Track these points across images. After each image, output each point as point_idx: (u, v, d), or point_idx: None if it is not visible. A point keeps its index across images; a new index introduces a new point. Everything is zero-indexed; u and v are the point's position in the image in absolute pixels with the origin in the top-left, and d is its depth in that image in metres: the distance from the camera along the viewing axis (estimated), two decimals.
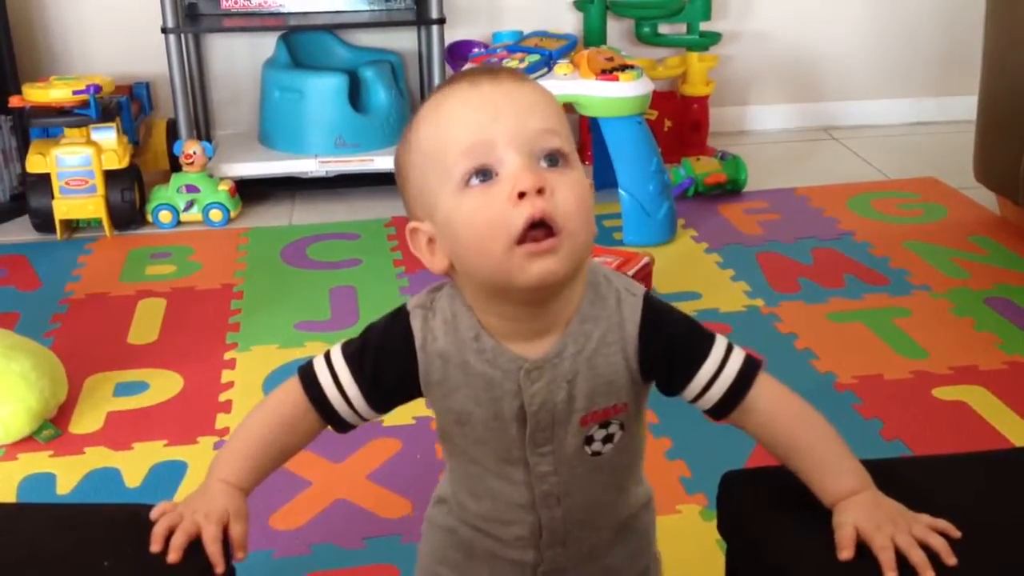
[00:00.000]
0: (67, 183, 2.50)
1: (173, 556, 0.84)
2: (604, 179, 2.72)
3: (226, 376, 1.93)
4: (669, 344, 0.88)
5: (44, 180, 2.50)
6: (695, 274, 2.31)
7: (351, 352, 0.91)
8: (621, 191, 2.43)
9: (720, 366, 0.89)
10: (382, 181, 2.77)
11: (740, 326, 2.07)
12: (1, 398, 1.69)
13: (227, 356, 2.00)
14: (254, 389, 1.88)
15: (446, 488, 0.99)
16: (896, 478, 0.90)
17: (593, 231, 0.85)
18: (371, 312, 2.15)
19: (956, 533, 0.83)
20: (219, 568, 0.85)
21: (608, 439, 0.90)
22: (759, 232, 2.52)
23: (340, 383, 0.90)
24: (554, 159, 0.82)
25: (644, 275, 2.01)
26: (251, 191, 2.73)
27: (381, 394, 0.91)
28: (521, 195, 0.79)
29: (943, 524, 0.84)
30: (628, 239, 2.42)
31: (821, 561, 0.82)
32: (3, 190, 2.68)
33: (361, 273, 2.35)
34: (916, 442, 1.68)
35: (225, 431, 1.75)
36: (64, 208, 2.51)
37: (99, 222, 2.55)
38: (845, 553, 0.82)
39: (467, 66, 0.91)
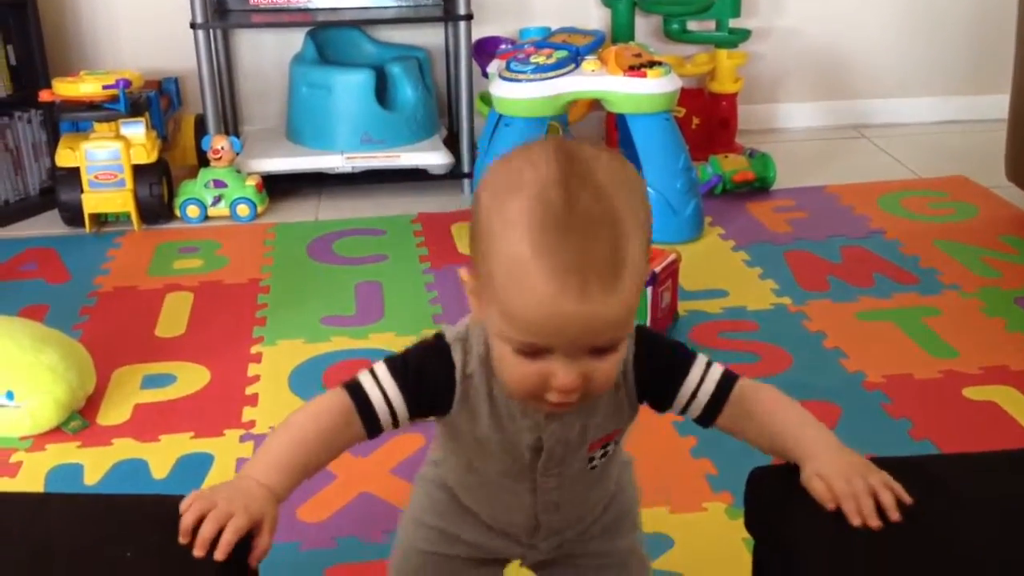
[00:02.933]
0: (96, 177, 2.52)
1: (198, 552, 0.82)
2: None
3: (252, 370, 1.93)
4: (659, 371, 0.95)
5: (73, 174, 2.52)
6: (722, 272, 2.29)
7: (395, 367, 0.95)
8: (648, 188, 2.41)
9: (701, 379, 0.96)
10: (408, 177, 2.77)
11: (768, 324, 2.05)
12: (29, 389, 1.70)
13: (253, 350, 2.00)
14: (280, 383, 1.88)
15: (441, 458, 1.05)
16: (925, 475, 0.89)
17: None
18: (397, 307, 2.15)
19: (908, 499, 0.87)
20: (220, 555, 0.82)
21: (604, 455, 0.99)
22: (787, 230, 2.50)
23: (385, 391, 0.95)
24: (603, 350, 0.84)
25: (670, 272, 2.00)
26: (278, 186, 2.74)
27: (419, 406, 0.96)
28: None
29: (899, 487, 0.88)
30: (655, 236, 2.40)
31: (849, 557, 0.81)
32: (33, 184, 2.70)
33: (387, 269, 2.35)
34: (945, 442, 1.66)
35: (251, 424, 1.76)
36: (93, 202, 2.53)
37: (128, 216, 2.57)
38: (831, 505, 0.87)
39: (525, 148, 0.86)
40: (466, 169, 2.77)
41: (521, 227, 0.80)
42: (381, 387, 0.95)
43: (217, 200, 2.61)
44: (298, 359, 1.96)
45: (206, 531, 0.83)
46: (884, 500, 0.86)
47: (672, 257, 2.01)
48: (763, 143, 3.00)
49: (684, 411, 0.97)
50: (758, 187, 2.71)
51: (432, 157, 2.75)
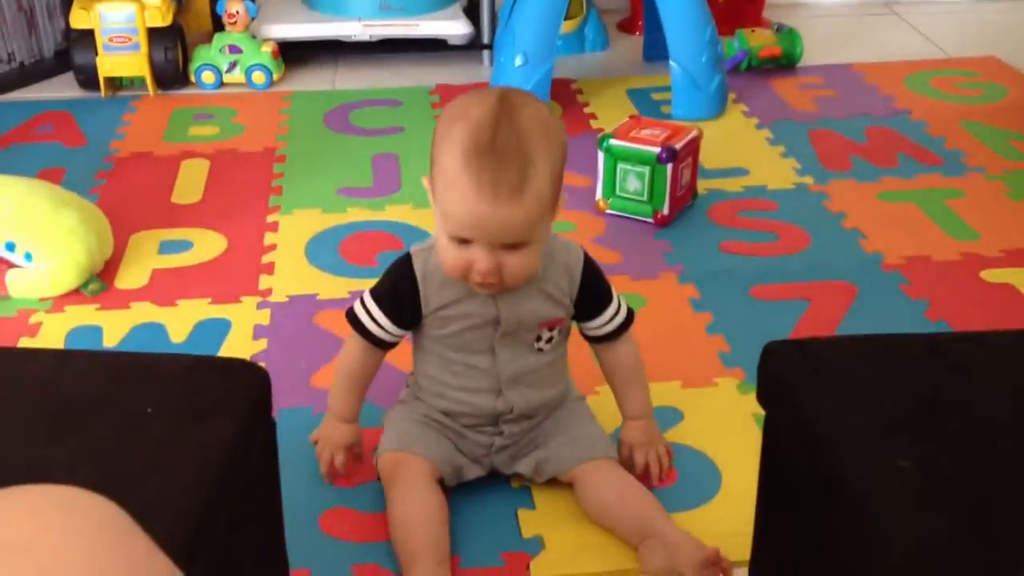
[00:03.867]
0: (111, 40, 2.48)
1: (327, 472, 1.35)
2: (655, 51, 2.65)
3: (269, 238, 1.94)
4: (591, 294, 1.28)
5: (88, 36, 2.48)
6: (744, 150, 2.26)
7: (379, 296, 1.27)
8: (672, 62, 2.36)
9: (613, 316, 1.31)
10: (427, 47, 2.72)
11: (788, 204, 2.03)
12: (49, 251, 1.71)
13: (270, 219, 2.00)
14: (297, 252, 1.89)
15: (416, 386, 1.33)
16: (943, 354, 0.89)
17: (537, 268, 1.20)
18: (414, 180, 2.14)
19: (668, 467, 1.35)
20: (336, 474, 1.35)
21: (548, 341, 1.28)
22: (812, 108, 2.45)
23: (377, 320, 1.27)
24: (512, 247, 1.14)
25: (691, 149, 1.97)
26: (294, 53, 2.69)
27: (406, 319, 1.27)
28: None
29: (667, 460, 1.35)
30: (676, 112, 2.37)
31: (860, 427, 0.81)
32: (48, 46, 2.66)
33: (404, 140, 2.32)
34: (961, 323, 1.66)
35: (268, 292, 1.77)
36: (108, 65, 2.50)
37: (143, 80, 2.54)
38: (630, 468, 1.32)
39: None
40: (486, 40, 2.72)
41: (457, 148, 1.12)
42: (374, 318, 1.27)
43: (232, 66, 2.57)
44: (315, 229, 1.96)
45: (335, 467, 1.34)
46: (654, 471, 1.33)
47: (693, 134, 1.98)
48: (790, 18, 2.92)
49: (588, 329, 1.31)
50: (784, 64, 2.65)
51: (452, 26, 2.69)
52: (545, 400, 1.31)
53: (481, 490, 1.33)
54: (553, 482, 1.33)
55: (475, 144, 1.10)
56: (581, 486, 1.29)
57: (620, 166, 1.95)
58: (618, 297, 1.32)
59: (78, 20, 2.48)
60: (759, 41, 2.63)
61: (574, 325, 1.32)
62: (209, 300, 1.75)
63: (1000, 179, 2.12)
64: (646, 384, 1.36)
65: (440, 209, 1.15)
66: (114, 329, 1.68)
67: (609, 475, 1.28)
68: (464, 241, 1.14)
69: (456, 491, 1.32)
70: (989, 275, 1.79)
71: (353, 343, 1.30)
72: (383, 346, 1.30)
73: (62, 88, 2.58)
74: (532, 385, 1.28)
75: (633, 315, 1.33)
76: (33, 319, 1.71)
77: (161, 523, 0.56)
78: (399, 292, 1.25)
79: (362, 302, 1.28)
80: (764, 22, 2.88)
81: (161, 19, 2.49)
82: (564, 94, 2.51)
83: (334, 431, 1.33)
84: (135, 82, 2.57)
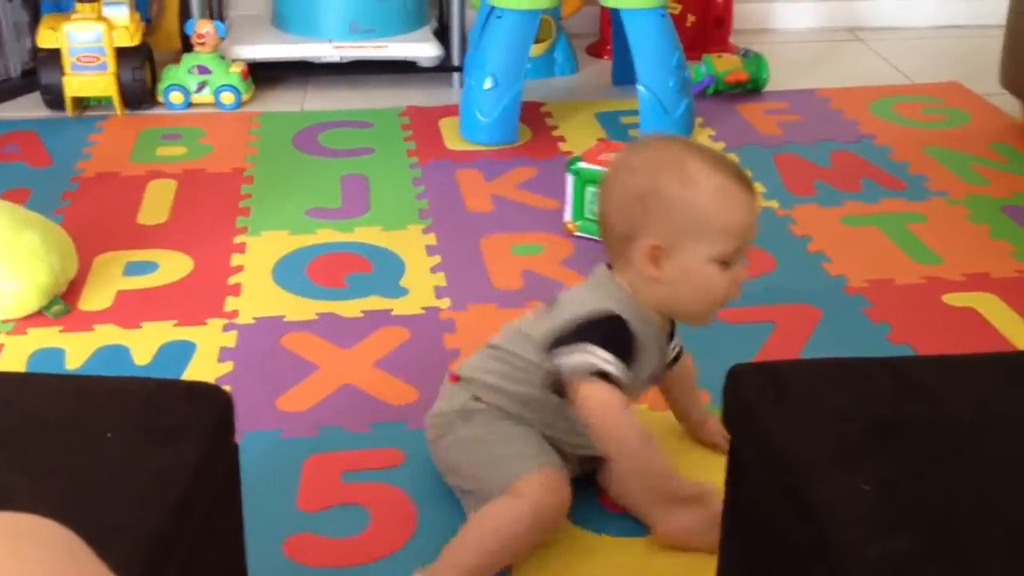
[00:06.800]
0: (78, 59, 2.46)
1: None
2: (623, 75, 2.67)
3: (236, 260, 1.93)
4: None
5: (55, 56, 2.46)
6: None
7: (604, 342, 1.23)
8: (640, 87, 2.38)
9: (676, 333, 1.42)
10: (396, 69, 2.72)
11: None
12: (11, 272, 1.69)
13: (237, 240, 1.99)
14: (264, 274, 1.88)
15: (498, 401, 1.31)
16: (906, 377, 0.90)
17: None
18: (383, 202, 2.13)
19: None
20: None
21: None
22: (778, 133, 2.48)
23: (614, 366, 1.24)
24: None
25: None
26: (263, 75, 2.69)
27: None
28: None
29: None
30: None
31: (824, 450, 0.82)
32: (14, 65, 2.64)
33: (373, 162, 2.32)
34: (923, 347, 1.67)
35: (234, 314, 1.76)
36: (75, 85, 2.48)
37: (110, 100, 2.53)
38: None
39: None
40: (456, 62, 2.73)
41: (707, 172, 1.21)
42: (609, 362, 1.22)
43: (201, 87, 2.57)
44: (282, 251, 1.95)
45: None
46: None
47: None
48: (757, 43, 2.95)
49: (671, 349, 1.39)
50: (751, 88, 2.68)
51: (422, 48, 2.70)
52: None
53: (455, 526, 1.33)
54: None
55: (713, 159, 1.23)
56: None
57: (588, 189, 1.96)
58: None
59: (45, 40, 2.46)
60: (726, 66, 2.66)
61: None
62: (174, 322, 1.74)
63: (962, 203, 2.14)
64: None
65: (707, 241, 1.21)
66: (77, 352, 1.66)
67: None
68: (730, 259, 1.22)
69: (428, 531, 1.31)
70: (951, 299, 1.82)
71: (603, 399, 1.22)
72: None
73: (28, 108, 2.57)
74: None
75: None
76: None
77: (118, 548, 0.55)
78: (627, 343, 1.25)
79: (585, 358, 1.23)
80: (731, 47, 2.91)
81: (129, 39, 2.48)
82: (533, 117, 2.52)
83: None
84: (102, 102, 2.55)
